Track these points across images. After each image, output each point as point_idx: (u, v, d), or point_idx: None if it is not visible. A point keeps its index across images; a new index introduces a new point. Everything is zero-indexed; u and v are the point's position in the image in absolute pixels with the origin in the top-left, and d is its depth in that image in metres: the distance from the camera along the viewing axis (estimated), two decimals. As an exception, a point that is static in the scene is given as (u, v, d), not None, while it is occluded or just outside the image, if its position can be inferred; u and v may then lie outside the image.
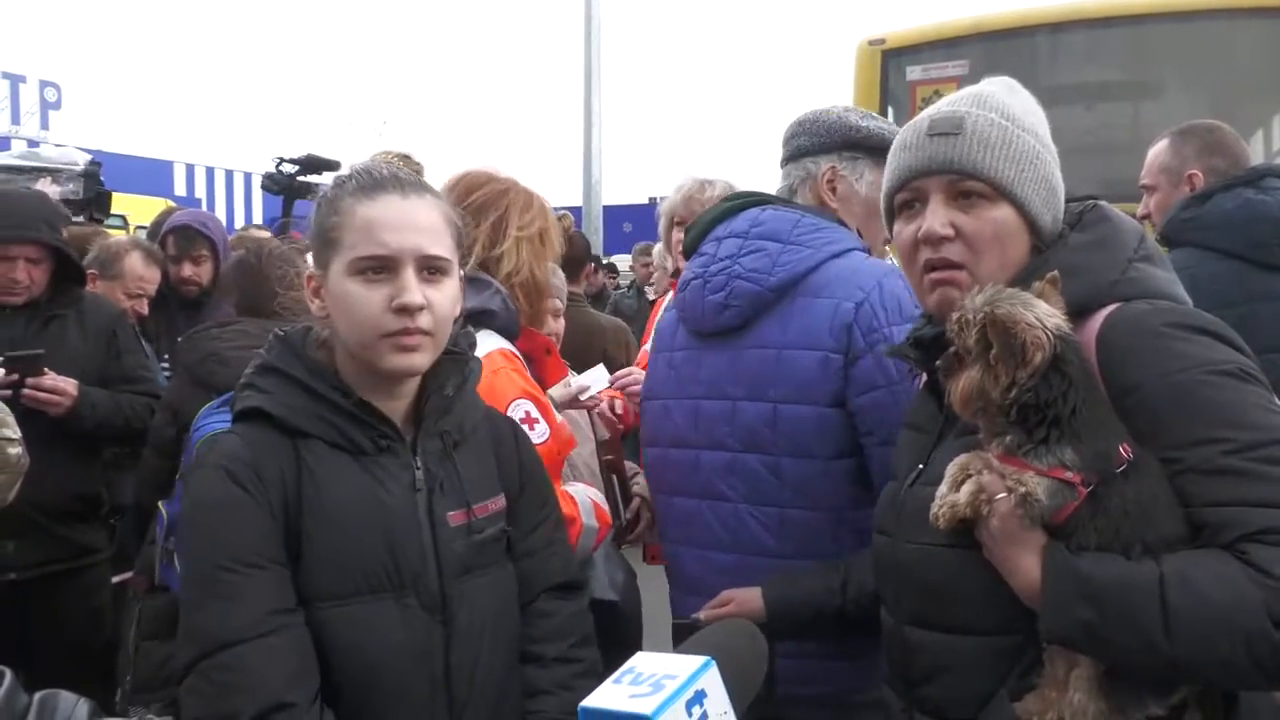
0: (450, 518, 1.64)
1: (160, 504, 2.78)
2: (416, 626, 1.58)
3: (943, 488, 1.48)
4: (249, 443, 1.58)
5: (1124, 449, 1.36)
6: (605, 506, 2.57)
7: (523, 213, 2.43)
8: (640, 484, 3.39)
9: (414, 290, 1.56)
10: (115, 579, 3.69)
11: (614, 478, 3.28)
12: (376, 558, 1.56)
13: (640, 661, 1.12)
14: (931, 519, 1.47)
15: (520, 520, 1.77)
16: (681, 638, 2.15)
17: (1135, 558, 1.32)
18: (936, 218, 1.56)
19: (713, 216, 2.36)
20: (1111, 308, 1.48)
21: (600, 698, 1.07)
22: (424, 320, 1.58)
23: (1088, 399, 1.39)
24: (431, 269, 1.61)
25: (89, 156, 5.02)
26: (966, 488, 1.43)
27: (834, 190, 2.31)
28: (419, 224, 1.61)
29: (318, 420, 1.59)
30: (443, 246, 1.63)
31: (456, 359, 1.73)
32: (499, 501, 1.73)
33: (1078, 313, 1.49)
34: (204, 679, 1.45)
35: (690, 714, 1.05)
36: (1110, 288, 1.50)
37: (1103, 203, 1.63)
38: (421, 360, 1.61)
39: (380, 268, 1.57)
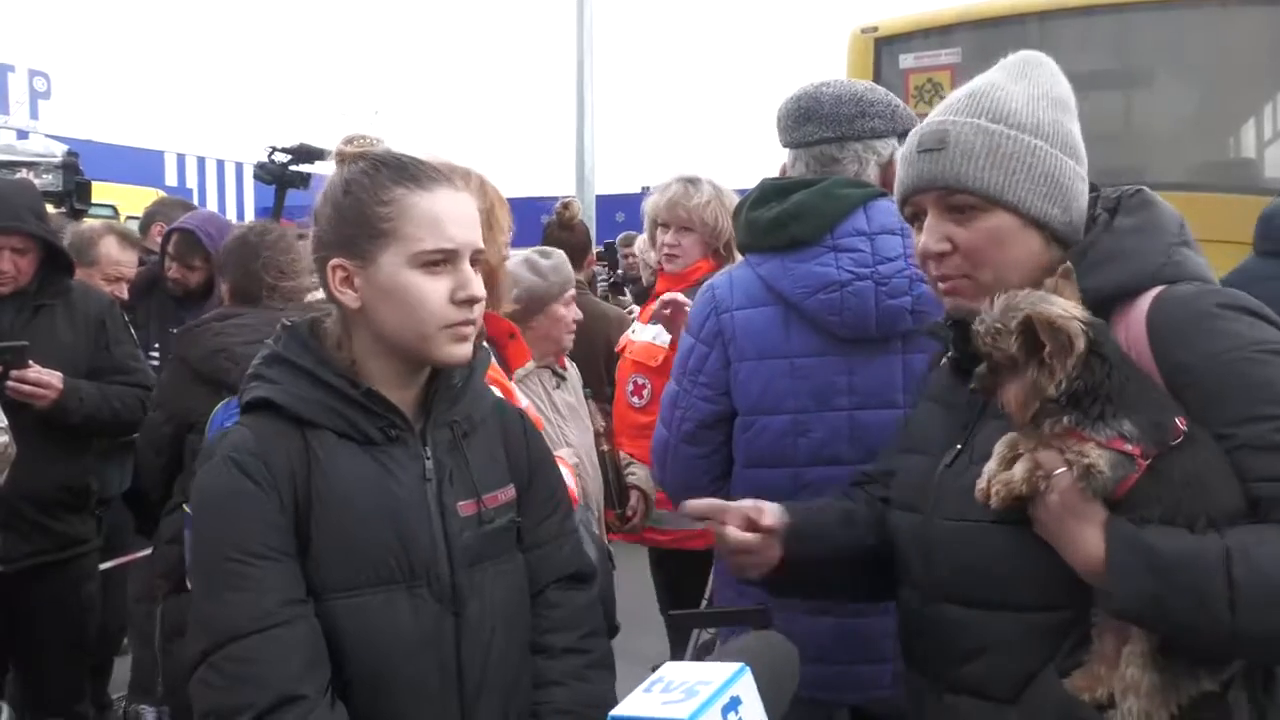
0: (460, 508, 1.63)
1: (184, 506, 2.76)
2: (428, 617, 1.57)
3: (991, 464, 1.48)
4: (257, 434, 1.57)
5: (1180, 421, 1.38)
6: (574, 482, 2.57)
7: (480, 198, 2.40)
8: (636, 474, 3.40)
9: (476, 283, 1.60)
10: (104, 565, 3.69)
11: (610, 467, 3.29)
12: (387, 548, 1.55)
13: (669, 671, 1.11)
14: (979, 496, 1.47)
15: (529, 511, 1.77)
16: (682, 627, 2.15)
17: (1199, 530, 1.33)
18: (931, 235, 1.60)
19: (838, 208, 2.20)
20: (1158, 290, 1.50)
21: (631, 706, 1.05)
22: (477, 311, 1.62)
23: (1130, 376, 1.41)
24: (476, 261, 1.63)
25: (66, 147, 4.98)
26: (1022, 464, 1.43)
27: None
28: (471, 217, 1.63)
29: (326, 410, 1.58)
30: (481, 240, 1.66)
31: None
32: (509, 492, 1.73)
33: (1125, 295, 1.51)
34: (214, 670, 1.44)
35: None
36: (1157, 270, 1.52)
37: (1145, 189, 1.64)
38: (469, 350, 1.64)
39: (444, 260, 1.58)
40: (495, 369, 2.32)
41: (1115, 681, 1.38)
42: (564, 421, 3.07)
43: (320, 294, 1.71)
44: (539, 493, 1.80)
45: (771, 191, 2.28)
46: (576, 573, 1.82)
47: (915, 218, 1.66)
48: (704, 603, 3.18)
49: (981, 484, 1.48)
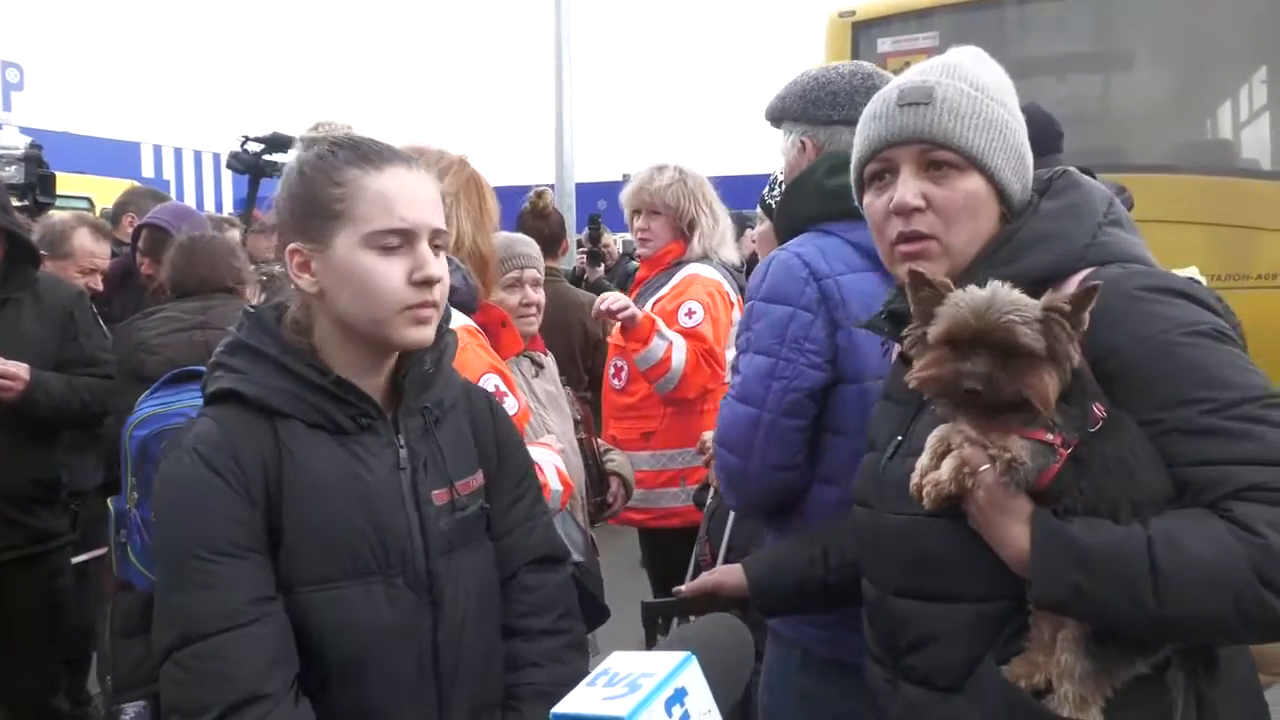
0: (434, 496, 1.62)
1: (109, 501, 2.73)
2: (404, 607, 1.56)
3: (924, 459, 1.47)
4: (225, 426, 1.53)
5: (1097, 408, 1.37)
6: (564, 468, 2.56)
7: (454, 181, 2.40)
8: (614, 460, 3.40)
9: (434, 263, 1.56)
10: (77, 559, 3.65)
11: (586, 456, 3.28)
12: (363, 540, 1.54)
13: (616, 661, 1.09)
14: (913, 492, 1.47)
15: (499, 495, 1.76)
16: (652, 616, 2.14)
17: (1123, 519, 1.33)
18: (908, 189, 1.56)
19: None
20: (1084, 273, 1.48)
21: (573, 702, 1.03)
22: (437, 293, 1.58)
23: None
24: (436, 243, 1.60)
25: (29, 139, 4.92)
26: (948, 463, 1.42)
27: None
28: (428, 197, 1.60)
29: (295, 400, 1.55)
30: (443, 220, 1.63)
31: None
32: (479, 478, 1.72)
33: (1052, 278, 1.50)
34: (180, 668, 1.44)
35: (670, 714, 1.01)
36: (1083, 252, 1.50)
37: (1071, 169, 1.63)
38: (431, 333, 1.61)
39: (399, 242, 1.55)
40: (495, 356, 2.31)
41: (1051, 667, 1.38)
42: (545, 410, 3.05)
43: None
44: (508, 476, 1.79)
45: (842, 164, 2.24)
46: (549, 554, 1.81)
47: (878, 175, 1.63)
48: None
49: (915, 479, 1.47)
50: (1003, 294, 1.40)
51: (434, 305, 1.58)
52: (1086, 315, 1.36)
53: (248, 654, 1.44)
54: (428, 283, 1.55)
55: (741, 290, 3.97)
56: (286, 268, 1.61)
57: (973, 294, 1.41)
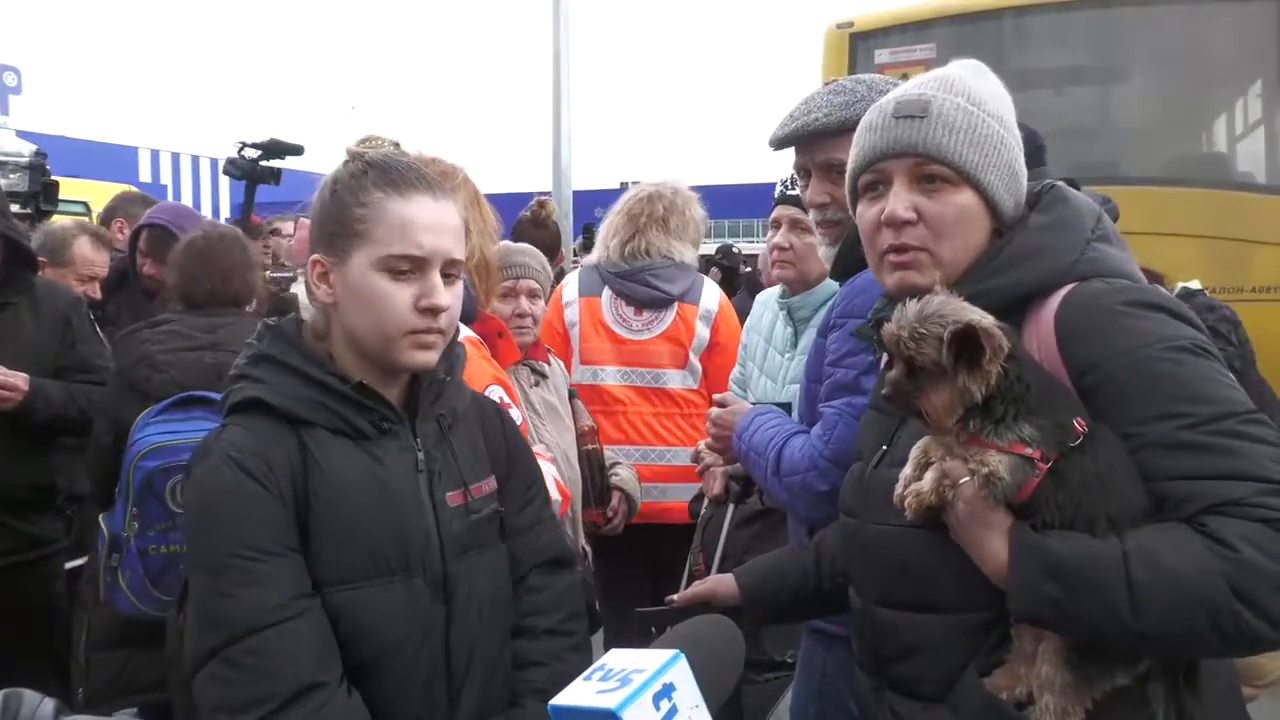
0: (449, 499, 1.68)
1: (100, 519, 2.70)
2: (420, 606, 1.62)
3: (907, 469, 1.49)
4: (254, 433, 1.59)
5: (1078, 423, 1.38)
6: (562, 479, 2.57)
7: (464, 195, 2.42)
8: (619, 475, 3.38)
9: (443, 293, 1.62)
10: (71, 564, 3.63)
11: (592, 467, 3.27)
12: (386, 540, 1.60)
13: (611, 658, 1.13)
14: (896, 503, 1.48)
15: (510, 500, 1.81)
16: (645, 625, 2.14)
17: (1100, 533, 1.34)
18: (899, 201, 1.57)
19: None
20: (1069, 287, 1.49)
21: (569, 695, 1.08)
22: (443, 320, 1.64)
23: (1034, 379, 1.41)
24: (450, 272, 1.65)
25: (34, 147, 4.90)
26: (930, 475, 1.44)
27: None
28: (447, 227, 1.66)
29: (318, 408, 1.61)
30: (461, 250, 1.69)
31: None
32: (491, 483, 1.77)
33: (1038, 293, 1.51)
34: (230, 665, 1.47)
35: (658, 707, 1.05)
36: (1070, 268, 1.51)
37: (1060, 183, 1.64)
38: (434, 357, 1.66)
39: (409, 267, 1.61)
40: (497, 367, 2.33)
41: (1032, 679, 1.40)
42: (540, 420, 3.05)
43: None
44: (519, 481, 1.85)
45: None
46: (558, 557, 1.86)
47: (871, 186, 1.63)
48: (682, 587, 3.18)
49: (899, 490, 1.49)
50: (930, 307, 1.43)
51: (439, 332, 1.64)
52: (987, 358, 1.37)
53: (300, 645, 1.49)
54: (433, 311, 1.61)
55: (631, 298, 3.72)
56: (308, 275, 1.68)
57: (911, 306, 1.45)
